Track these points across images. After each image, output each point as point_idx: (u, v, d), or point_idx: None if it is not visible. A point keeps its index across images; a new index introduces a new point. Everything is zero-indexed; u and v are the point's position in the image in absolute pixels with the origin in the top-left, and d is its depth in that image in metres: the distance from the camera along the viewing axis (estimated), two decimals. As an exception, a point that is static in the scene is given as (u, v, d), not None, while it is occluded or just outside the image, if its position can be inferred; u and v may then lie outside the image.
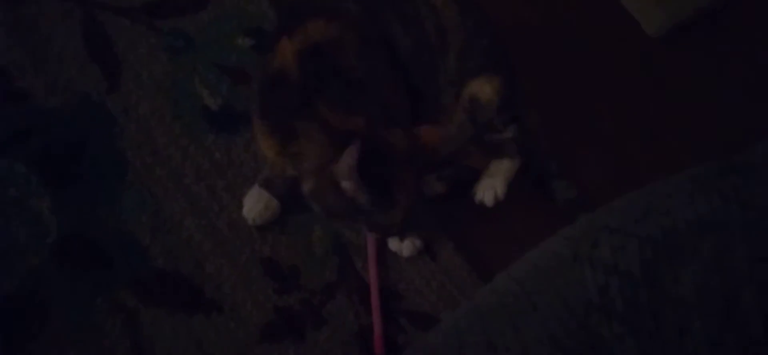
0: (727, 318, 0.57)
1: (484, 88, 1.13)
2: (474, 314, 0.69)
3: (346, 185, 0.94)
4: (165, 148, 1.21)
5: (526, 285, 0.66)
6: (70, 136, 1.17)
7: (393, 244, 1.21)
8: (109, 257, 1.10)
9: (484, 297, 0.74)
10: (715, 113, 1.49)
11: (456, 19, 1.12)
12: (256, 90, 1.08)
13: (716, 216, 0.60)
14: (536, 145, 1.27)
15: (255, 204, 1.17)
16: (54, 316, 1.04)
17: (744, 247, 0.58)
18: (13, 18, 1.24)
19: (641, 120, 1.43)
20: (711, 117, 1.48)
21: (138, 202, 1.15)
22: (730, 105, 1.52)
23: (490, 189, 1.24)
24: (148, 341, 1.07)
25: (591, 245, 0.63)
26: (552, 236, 0.74)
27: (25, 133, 1.15)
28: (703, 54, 1.57)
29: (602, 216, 0.67)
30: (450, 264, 1.23)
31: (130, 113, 1.22)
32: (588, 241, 0.64)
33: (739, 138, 1.41)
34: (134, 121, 1.22)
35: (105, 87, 1.23)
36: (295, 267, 1.17)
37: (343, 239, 1.21)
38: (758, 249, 0.58)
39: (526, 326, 0.63)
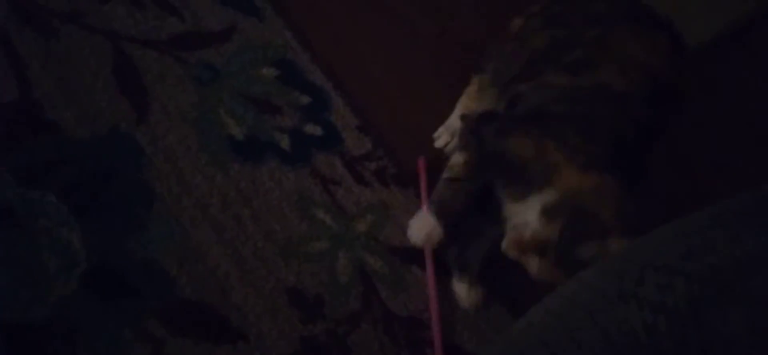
0: None
1: None
2: (512, 351, 0.67)
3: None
4: (191, 177, 1.21)
5: (566, 321, 0.64)
6: (99, 167, 1.17)
7: (459, 288, 1.20)
8: (137, 287, 1.09)
9: (521, 332, 0.71)
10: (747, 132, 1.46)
11: None
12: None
13: (765, 252, 0.57)
14: None
15: (421, 228, 1.17)
16: (81, 346, 1.03)
17: None
18: (46, 51, 1.25)
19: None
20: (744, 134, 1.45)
21: (165, 231, 1.14)
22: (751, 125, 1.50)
23: None
24: (175, 371, 1.06)
25: (636, 282, 0.60)
26: (585, 269, 0.72)
27: (56, 164, 1.15)
28: (726, 71, 1.54)
29: (644, 251, 0.64)
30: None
31: (157, 144, 1.22)
32: (632, 277, 0.61)
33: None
34: (161, 151, 1.22)
35: (134, 118, 1.23)
36: (320, 296, 1.16)
37: (366, 268, 1.20)
38: None
39: None
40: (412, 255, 1.22)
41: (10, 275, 1.04)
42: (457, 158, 1.15)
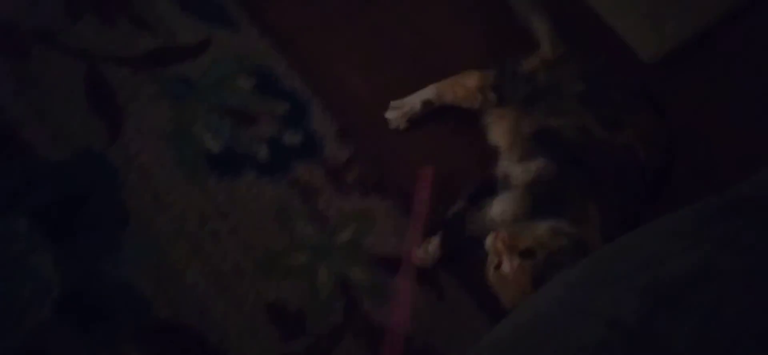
0: None
1: None
2: None
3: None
4: (167, 195, 1.19)
5: (533, 336, 0.62)
6: (71, 189, 1.15)
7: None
8: (112, 310, 1.07)
9: (486, 347, 0.70)
10: (713, 138, 1.44)
11: None
12: None
13: (712, 265, 0.55)
14: None
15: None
16: (58, 373, 1.02)
17: (741, 297, 0.53)
18: (18, 72, 1.23)
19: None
20: (709, 141, 1.42)
21: (141, 252, 1.12)
22: (725, 129, 1.47)
23: None
24: (153, 395, 1.04)
25: (591, 296, 0.58)
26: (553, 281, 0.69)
27: (28, 187, 1.14)
28: (697, 78, 1.52)
29: (600, 265, 0.62)
30: (456, 302, 1.18)
31: (131, 163, 1.20)
32: (588, 291, 0.59)
33: (735, 163, 1.39)
34: (135, 170, 1.20)
35: (106, 138, 1.21)
36: (301, 311, 1.13)
37: (348, 280, 1.17)
38: (756, 299, 0.53)
39: None
40: (395, 265, 1.19)
41: (-18, 304, 1.03)
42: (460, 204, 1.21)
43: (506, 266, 1.02)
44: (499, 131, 1.24)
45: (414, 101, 1.33)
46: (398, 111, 1.33)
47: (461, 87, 1.31)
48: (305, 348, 1.10)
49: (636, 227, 1.07)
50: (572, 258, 0.97)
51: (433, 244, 1.19)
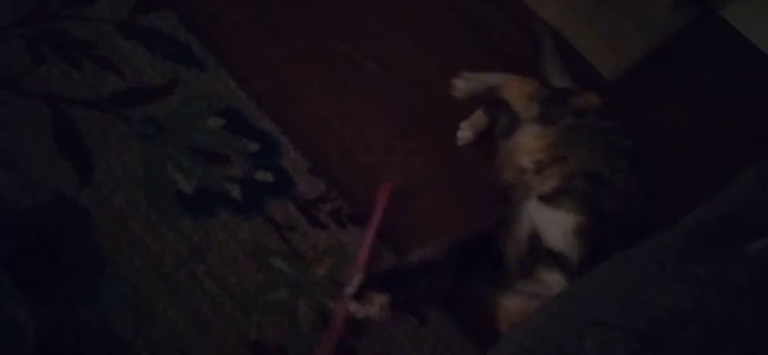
0: None
1: None
2: None
3: None
4: (142, 237, 1.17)
5: None
6: (44, 236, 1.13)
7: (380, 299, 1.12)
8: (92, 357, 1.05)
9: None
10: (671, 152, 1.54)
11: None
12: None
13: (696, 305, 0.57)
14: None
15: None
16: (36, 425, 0.99)
17: (726, 336, 0.55)
18: (-20, 120, 1.21)
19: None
20: (667, 155, 1.52)
21: (118, 296, 1.11)
22: (684, 142, 1.58)
23: None
24: None
25: (578, 338, 0.60)
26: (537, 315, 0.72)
27: (-2, 236, 1.11)
28: (655, 93, 1.64)
29: (585, 305, 0.64)
30: (439, 326, 1.20)
31: (104, 206, 1.19)
32: (574, 334, 0.60)
33: (704, 173, 1.49)
34: (108, 213, 1.18)
35: (77, 182, 1.19)
36: (283, 348, 1.13)
37: (328, 313, 1.18)
38: (740, 337, 0.56)
39: None
40: (373, 295, 1.21)
41: (-46, 359, 0.99)
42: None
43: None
44: (533, 146, 1.21)
45: (481, 80, 1.39)
46: (466, 82, 1.39)
47: (518, 87, 1.33)
48: (290, 384, 1.09)
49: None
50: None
51: (379, 302, 1.10)
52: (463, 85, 1.41)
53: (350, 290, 1.08)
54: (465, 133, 1.42)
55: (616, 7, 1.73)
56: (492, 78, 1.40)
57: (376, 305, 1.09)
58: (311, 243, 1.24)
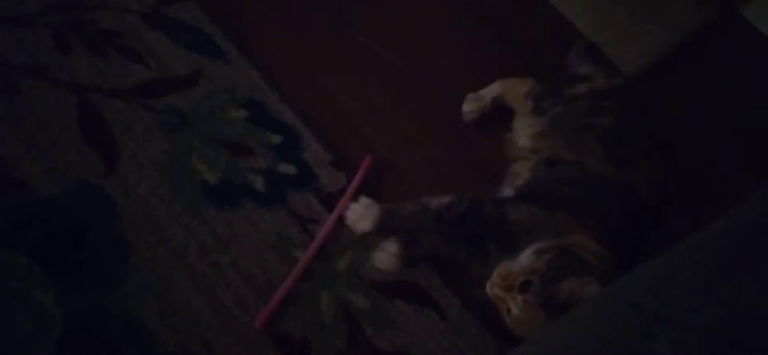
0: None
1: None
2: None
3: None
4: (167, 227, 1.17)
5: None
6: (70, 223, 1.13)
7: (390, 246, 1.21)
8: (117, 345, 1.04)
9: None
10: (692, 147, 1.53)
11: None
12: None
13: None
14: None
15: (361, 214, 1.22)
16: (62, 412, 0.99)
17: None
18: (8, 108, 1.20)
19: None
20: (688, 151, 1.51)
21: (143, 285, 1.10)
22: (702, 138, 1.56)
23: None
24: (161, 430, 1.02)
25: (647, 336, 0.57)
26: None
27: (25, 223, 1.10)
28: (676, 90, 1.62)
29: (648, 301, 0.60)
30: (459, 322, 1.20)
31: (129, 195, 1.18)
32: (642, 332, 0.57)
33: (713, 170, 1.48)
34: (134, 202, 1.18)
35: (103, 170, 1.19)
36: (305, 339, 1.13)
37: (350, 306, 1.18)
38: None
39: None
40: (395, 289, 1.20)
41: (-18, 345, 0.99)
42: (442, 199, 1.21)
43: (514, 308, 1.05)
44: (524, 136, 1.33)
45: (485, 97, 1.44)
46: (473, 104, 1.44)
47: (516, 89, 1.42)
48: (312, 377, 1.09)
49: (634, 246, 1.13)
50: (567, 265, 1.04)
51: (390, 250, 1.20)
52: (472, 106, 1.45)
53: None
54: (471, 105, 1.44)
55: (638, 4, 1.71)
56: (493, 90, 1.46)
57: (387, 253, 1.19)
58: (333, 236, 1.24)
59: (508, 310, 1.06)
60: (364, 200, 1.23)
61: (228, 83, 1.37)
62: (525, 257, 1.08)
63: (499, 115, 1.43)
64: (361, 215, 1.22)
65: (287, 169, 1.30)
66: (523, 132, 1.34)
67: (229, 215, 1.21)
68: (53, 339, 1.02)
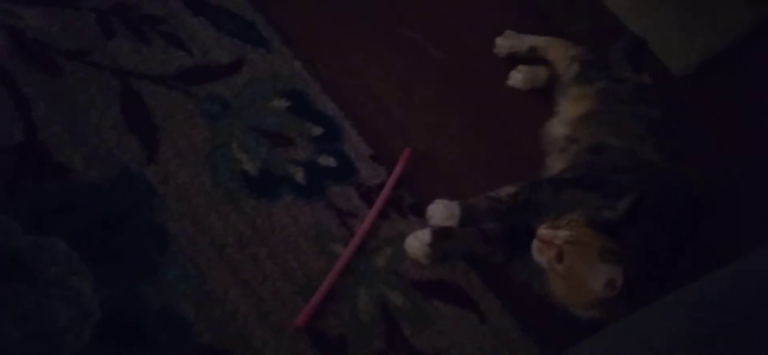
0: None
1: None
2: None
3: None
4: (206, 217, 1.11)
5: None
6: (110, 210, 1.07)
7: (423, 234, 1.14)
8: (153, 335, 0.99)
9: None
10: (741, 149, 1.42)
11: None
12: None
13: None
14: None
15: (441, 210, 1.15)
16: (98, 402, 0.94)
17: None
18: (51, 91, 1.15)
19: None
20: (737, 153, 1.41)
21: (181, 275, 1.05)
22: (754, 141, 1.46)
23: None
24: (197, 423, 0.96)
25: None
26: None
27: (65, 209, 1.05)
28: (726, 91, 1.52)
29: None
30: (500, 325, 1.12)
31: (169, 183, 1.12)
32: None
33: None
34: (174, 190, 1.12)
35: (144, 157, 1.13)
36: (343, 337, 1.06)
37: (389, 304, 1.11)
38: None
39: None
40: (434, 289, 1.13)
41: (20, 330, 0.94)
42: (508, 188, 1.14)
43: (561, 234, 0.98)
44: (572, 107, 1.26)
45: (524, 40, 1.39)
46: (508, 40, 1.40)
47: (562, 49, 1.36)
48: (349, 376, 1.03)
49: (680, 245, 1.04)
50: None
51: (423, 239, 1.12)
52: (505, 42, 1.40)
53: None
54: (519, 75, 1.38)
55: (687, 3, 1.61)
56: (537, 39, 1.40)
57: (420, 241, 1.12)
58: (372, 232, 1.16)
59: (557, 253, 0.98)
60: (442, 201, 1.15)
61: (270, 72, 1.30)
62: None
63: (542, 103, 1.34)
64: (445, 214, 1.14)
65: (327, 161, 1.23)
66: (568, 110, 1.26)
67: (268, 207, 1.14)
68: (90, 327, 0.97)
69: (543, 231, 1.01)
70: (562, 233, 0.98)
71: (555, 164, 1.21)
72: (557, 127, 1.26)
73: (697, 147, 1.23)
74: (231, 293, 1.05)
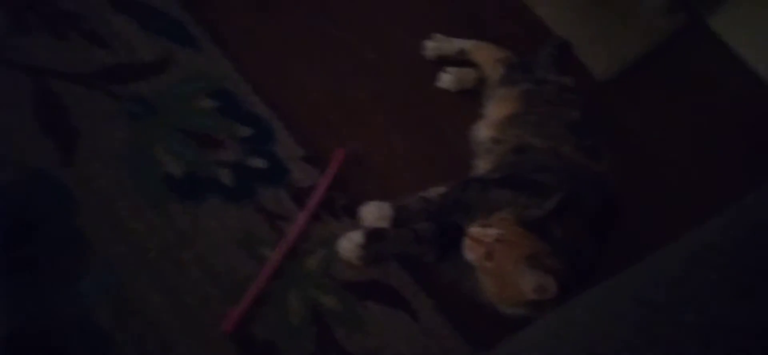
0: None
1: None
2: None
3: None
4: (127, 222, 1.03)
5: None
6: (22, 216, 0.98)
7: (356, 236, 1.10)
8: (67, 349, 0.91)
9: None
10: (660, 152, 1.46)
11: None
12: None
13: None
14: None
15: (373, 211, 1.12)
16: (5, 421, 0.85)
17: None
18: (-44, 89, 1.05)
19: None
20: (657, 155, 1.43)
21: (99, 283, 0.97)
22: (671, 144, 1.50)
23: None
24: None
25: None
26: None
27: (-29, 215, 0.96)
28: (646, 95, 1.55)
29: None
30: (431, 324, 1.09)
31: (88, 186, 1.04)
32: None
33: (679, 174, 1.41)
34: (93, 194, 1.04)
35: (59, 159, 1.05)
36: (272, 342, 1.01)
37: (320, 307, 1.06)
38: None
39: None
40: (367, 290, 1.09)
41: None
42: (438, 188, 1.13)
43: (491, 232, 0.97)
44: (497, 109, 1.26)
45: (453, 43, 1.39)
46: (437, 43, 1.39)
47: (489, 53, 1.37)
48: (279, 381, 0.97)
49: (602, 241, 1.04)
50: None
51: (355, 241, 1.08)
52: (435, 44, 1.40)
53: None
54: (448, 76, 1.37)
55: (609, 9, 1.64)
56: (465, 42, 1.40)
57: (352, 242, 1.08)
58: (303, 234, 1.11)
59: (486, 250, 0.97)
60: (375, 202, 1.12)
61: (198, 72, 1.23)
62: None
63: (473, 105, 1.33)
64: (377, 215, 1.11)
65: (257, 162, 1.17)
66: (496, 107, 1.26)
67: (194, 210, 1.08)
68: (0, 341, 0.88)
69: (473, 229, 0.99)
70: (492, 231, 0.96)
71: (482, 165, 1.20)
72: (484, 129, 1.25)
73: (613, 147, 1.24)
74: (154, 300, 0.98)
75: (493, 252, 0.96)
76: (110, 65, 1.17)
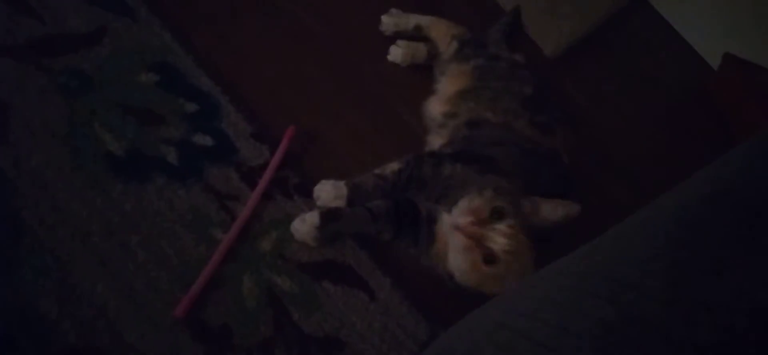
0: None
1: None
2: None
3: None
4: (67, 203, 1.02)
5: None
6: (-52, 199, 0.96)
7: (311, 216, 1.11)
8: (11, 339, 0.90)
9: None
10: (607, 125, 1.55)
11: None
12: None
13: None
14: None
15: (330, 190, 1.14)
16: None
17: None
18: None
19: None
20: (604, 128, 1.52)
21: (40, 270, 0.95)
22: (618, 117, 1.59)
23: None
24: None
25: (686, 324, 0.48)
26: None
27: None
28: (593, 70, 1.65)
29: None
30: (389, 302, 1.13)
31: (21, 166, 1.02)
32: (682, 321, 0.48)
33: (626, 148, 1.51)
34: (27, 174, 1.02)
35: (-11, 138, 1.02)
36: (226, 326, 1.02)
37: (275, 289, 1.08)
38: None
39: None
40: (323, 270, 1.12)
41: None
42: (393, 165, 1.16)
43: (499, 239, 1.00)
44: (449, 84, 1.32)
45: (409, 19, 1.43)
46: (394, 18, 1.43)
47: (444, 28, 1.42)
48: (235, 366, 0.99)
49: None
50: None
51: (310, 221, 1.10)
52: (391, 20, 1.44)
53: None
54: (398, 50, 1.41)
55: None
56: (421, 18, 1.45)
57: (307, 224, 1.10)
58: (255, 214, 1.13)
59: (487, 253, 1.01)
60: (329, 181, 1.15)
61: (136, 44, 1.22)
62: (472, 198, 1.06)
63: (426, 81, 1.37)
64: (333, 194, 1.14)
65: (203, 140, 1.17)
66: (450, 82, 1.32)
67: (138, 191, 1.08)
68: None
69: (468, 226, 1.02)
70: (501, 241, 1.00)
71: (435, 141, 1.25)
72: (436, 105, 1.30)
73: (564, 122, 1.31)
74: (99, 286, 0.98)
75: (498, 261, 1.01)
76: (39, 36, 1.14)
